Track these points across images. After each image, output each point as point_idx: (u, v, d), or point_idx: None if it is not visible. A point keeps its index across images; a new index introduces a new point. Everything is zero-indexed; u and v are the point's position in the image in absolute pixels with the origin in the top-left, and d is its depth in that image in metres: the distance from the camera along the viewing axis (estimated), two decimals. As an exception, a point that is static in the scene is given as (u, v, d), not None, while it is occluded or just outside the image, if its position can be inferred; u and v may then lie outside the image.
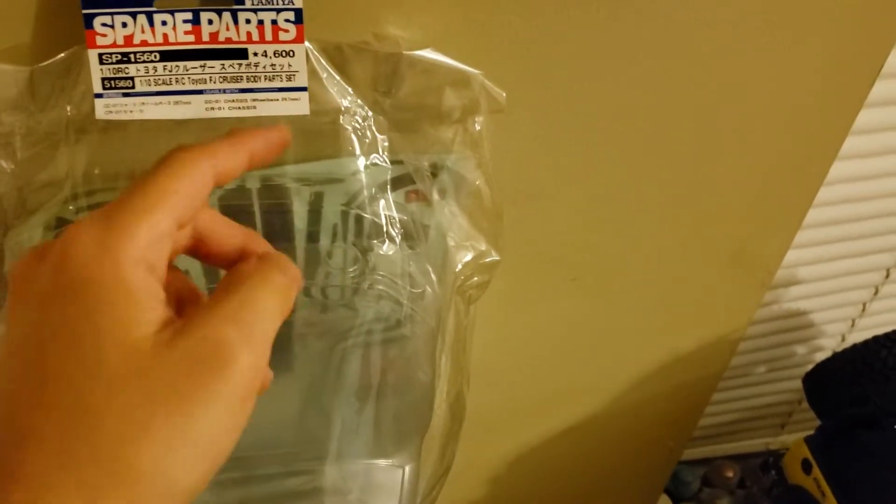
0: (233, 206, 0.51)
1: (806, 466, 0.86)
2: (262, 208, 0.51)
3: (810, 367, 1.00)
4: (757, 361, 1.02)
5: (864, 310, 0.99)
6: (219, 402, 0.26)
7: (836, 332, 1.02)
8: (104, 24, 0.42)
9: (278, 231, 0.52)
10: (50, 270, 0.26)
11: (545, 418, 0.83)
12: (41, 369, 0.25)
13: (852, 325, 1.02)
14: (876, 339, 0.83)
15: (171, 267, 0.30)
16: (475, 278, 0.52)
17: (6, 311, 0.27)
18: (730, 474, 1.19)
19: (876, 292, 0.97)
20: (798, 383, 1.04)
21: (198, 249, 0.32)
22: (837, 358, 0.85)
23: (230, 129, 0.33)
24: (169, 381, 0.25)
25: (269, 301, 0.28)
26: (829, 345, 1.04)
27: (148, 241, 0.27)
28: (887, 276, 0.94)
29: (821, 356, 1.05)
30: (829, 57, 0.57)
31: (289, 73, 0.45)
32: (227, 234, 0.32)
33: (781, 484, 0.91)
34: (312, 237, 0.52)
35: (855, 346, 0.84)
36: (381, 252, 0.50)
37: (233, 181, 0.50)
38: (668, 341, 0.79)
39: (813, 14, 0.54)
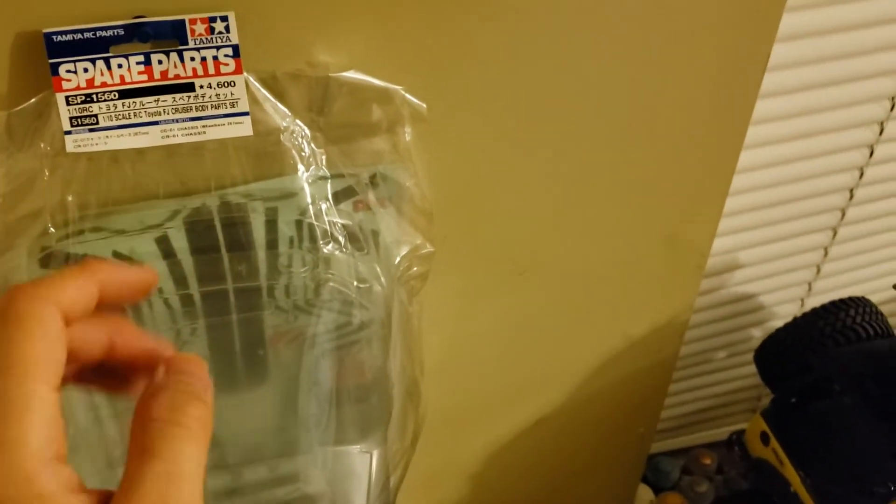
0: (196, 221, 0.57)
1: (764, 438, 0.91)
2: (223, 222, 0.58)
3: (768, 348, 1.06)
4: (715, 347, 1.07)
5: (810, 289, 1.05)
6: None
7: (788, 313, 1.08)
8: (68, 71, 0.49)
9: (238, 241, 0.58)
10: None
11: (513, 412, 0.89)
12: None
13: (801, 305, 1.08)
14: (814, 310, 0.90)
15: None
16: (414, 268, 0.59)
17: None
18: (707, 461, 1.24)
19: (818, 271, 1.03)
20: (756, 367, 1.09)
21: (108, 359, 0.31)
22: (781, 332, 0.91)
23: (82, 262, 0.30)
24: None
25: (194, 448, 0.27)
26: (781, 325, 1.09)
27: (43, 434, 0.25)
28: (826, 254, 1.00)
29: (777, 337, 1.11)
30: (720, 53, 0.64)
31: (232, 101, 0.52)
32: (91, 339, 0.30)
33: (745, 458, 0.96)
34: (271, 245, 0.58)
35: (795, 320, 0.91)
36: (328, 251, 0.56)
37: (195, 199, 0.57)
38: (619, 328, 0.85)
39: (703, 15, 0.61)
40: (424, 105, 0.57)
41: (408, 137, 0.58)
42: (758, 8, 0.63)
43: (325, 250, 0.56)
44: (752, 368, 1.13)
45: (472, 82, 0.59)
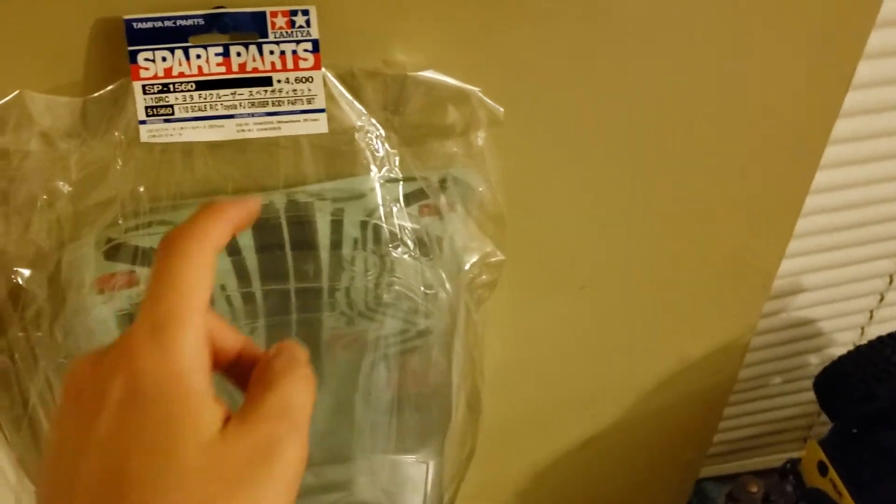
0: (262, 219, 0.56)
1: (822, 469, 0.89)
2: (289, 221, 0.57)
3: (825, 375, 1.03)
4: (771, 372, 1.04)
5: (871, 317, 1.02)
6: (277, 486, 0.29)
7: (847, 341, 1.05)
8: (147, 59, 0.48)
9: (304, 241, 0.57)
10: (121, 383, 0.29)
11: (564, 428, 0.87)
12: (124, 472, 0.28)
13: (861, 333, 1.04)
14: (880, 339, 0.87)
15: None
16: (483, 277, 0.57)
17: (68, 412, 0.30)
18: (754, 489, 1.21)
19: (881, 299, 0.99)
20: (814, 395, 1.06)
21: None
22: (844, 360, 0.88)
23: (208, 203, 0.35)
24: (239, 472, 0.29)
25: (304, 395, 0.32)
26: (840, 353, 1.06)
27: (195, 344, 0.30)
28: (891, 281, 0.97)
29: (834, 365, 1.08)
30: (803, 71, 0.62)
31: (308, 97, 0.51)
32: (231, 338, 0.35)
33: (800, 489, 0.93)
34: (335, 245, 0.57)
35: (860, 348, 0.88)
36: (397, 256, 0.55)
37: (264, 197, 0.56)
38: (677, 348, 0.83)
39: (786, 35, 0.60)
40: (501, 108, 0.55)
41: (481, 141, 0.57)
42: (845, 25, 0.61)
43: (393, 254, 0.55)
44: (806, 396, 1.10)
45: (549, 87, 0.57)
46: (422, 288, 0.56)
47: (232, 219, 0.34)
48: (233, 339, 0.35)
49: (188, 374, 0.29)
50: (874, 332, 1.04)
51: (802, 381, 1.09)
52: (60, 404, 0.31)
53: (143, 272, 0.56)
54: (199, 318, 0.30)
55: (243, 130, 0.51)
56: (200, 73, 0.49)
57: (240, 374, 0.35)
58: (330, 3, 0.50)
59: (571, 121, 0.60)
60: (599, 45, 0.56)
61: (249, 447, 0.29)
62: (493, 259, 0.57)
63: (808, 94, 0.64)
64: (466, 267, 0.57)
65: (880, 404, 0.83)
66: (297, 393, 0.32)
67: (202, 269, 0.31)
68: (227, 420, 0.30)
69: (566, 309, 0.73)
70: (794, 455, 1.24)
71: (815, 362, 1.07)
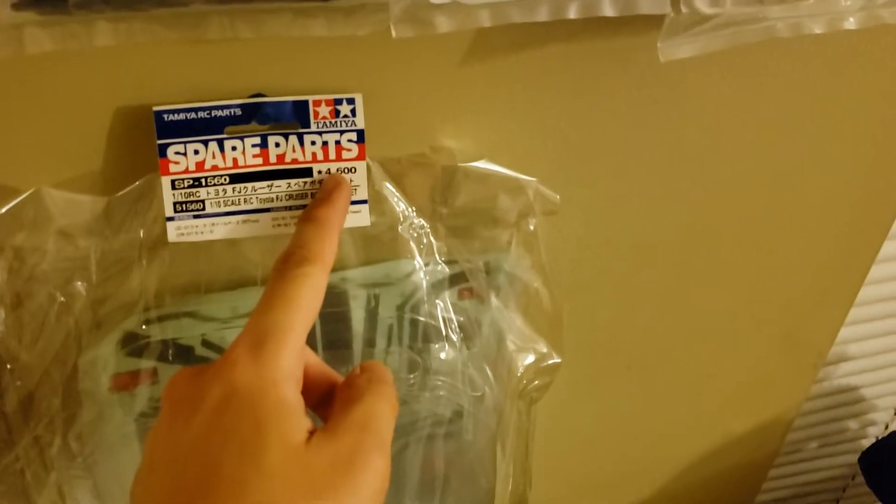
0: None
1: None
2: (322, 316, 0.52)
3: (863, 441, 0.99)
4: (810, 437, 1.00)
5: (916, 383, 0.98)
6: (360, 495, 0.30)
7: (889, 406, 1.01)
8: (177, 153, 0.44)
9: (337, 338, 0.53)
10: (217, 391, 0.31)
11: (601, 500, 0.83)
12: (214, 471, 0.29)
13: (904, 399, 1.01)
14: (933, 417, 0.82)
15: None
16: (536, 381, 0.53)
17: (164, 423, 0.32)
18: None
19: (927, 365, 0.96)
20: (851, 458, 1.02)
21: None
22: (893, 438, 0.84)
23: (313, 214, 0.39)
24: (324, 478, 0.29)
25: (388, 411, 0.33)
26: (881, 419, 1.02)
27: (292, 358, 0.32)
28: (938, 348, 0.93)
29: (874, 431, 1.03)
30: (874, 146, 0.58)
31: (351, 188, 0.47)
32: (321, 372, 0.37)
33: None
34: (369, 342, 0.53)
35: (911, 425, 0.83)
36: (441, 357, 0.50)
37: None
38: (722, 424, 0.79)
39: (857, 107, 0.55)
40: (557, 196, 0.51)
41: (532, 227, 0.53)
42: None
43: (440, 354, 0.50)
44: (843, 459, 1.06)
45: (607, 171, 0.53)
46: (468, 391, 0.51)
47: (339, 231, 0.39)
48: (323, 373, 0.37)
49: (282, 382, 0.31)
50: (917, 397, 1.00)
51: (840, 445, 1.04)
52: (159, 416, 0.33)
53: (165, 369, 0.52)
54: (301, 335, 0.33)
55: (280, 225, 0.47)
56: (235, 165, 0.45)
57: (326, 410, 0.36)
58: (375, 89, 0.46)
59: (624, 202, 0.56)
60: (661, 133, 0.52)
61: (334, 456, 0.30)
62: (549, 362, 0.53)
63: (870, 178, 0.60)
64: (520, 371, 0.52)
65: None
66: (381, 408, 0.33)
67: (316, 289, 0.35)
68: (313, 432, 0.31)
69: (611, 390, 0.69)
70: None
71: (854, 427, 1.03)
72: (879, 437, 0.86)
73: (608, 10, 0.38)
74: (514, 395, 0.53)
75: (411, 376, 0.51)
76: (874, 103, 0.55)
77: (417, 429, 0.53)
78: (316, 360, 0.38)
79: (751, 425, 0.80)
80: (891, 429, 1.00)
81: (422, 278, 0.52)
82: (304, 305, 0.34)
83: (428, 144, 0.49)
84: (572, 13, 0.38)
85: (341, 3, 0.35)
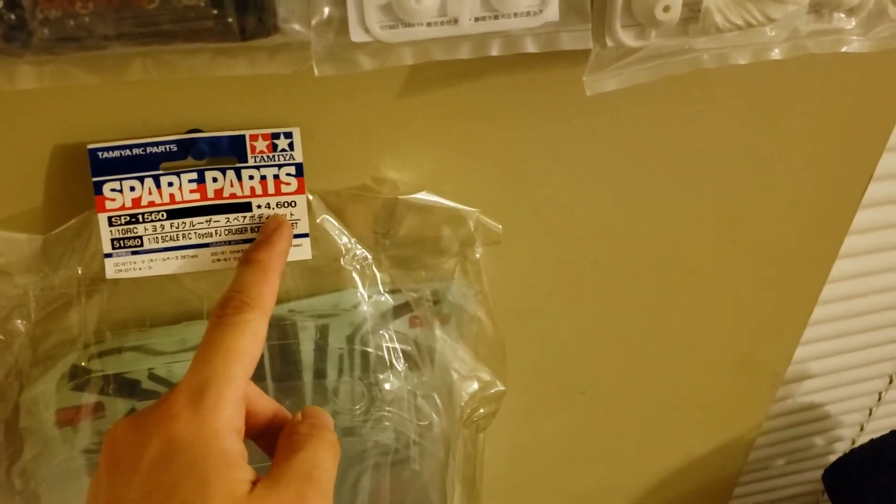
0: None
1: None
2: (270, 348, 0.52)
3: (831, 457, 0.99)
4: (776, 455, 1.00)
5: (879, 398, 0.98)
6: None
7: (854, 422, 1.01)
8: (113, 189, 0.44)
9: (287, 370, 0.53)
10: (158, 445, 0.30)
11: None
12: None
13: (870, 414, 1.01)
14: (893, 433, 0.83)
15: None
16: (481, 410, 0.53)
17: (105, 477, 0.32)
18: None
19: (890, 381, 0.96)
20: (819, 473, 1.02)
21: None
22: (855, 455, 0.85)
23: (253, 257, 0.39)
24: None
25: (329, 459, 0.33)
26: (847, 434, 1.03)
27: (233, 408, 0.32)
28: (901, 364, 0.94)
29: (840, 446, 1.04)
30: (816, 169, 0.59)
31: (291, 222, 0.47)
32: (263, 405, 0.37)
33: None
34: (319, 374, 0.53)
35: (872, 442, 0.84)
36: (387, 387, 0.50)
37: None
38: (682, 447, 0.79)
39: (799, 129, 0.56)
40: (500, 226, 0.51)
41: (477, 256, 0.53)
42: (871, 118, 0.57)
43: (385, 385, 0.50)
44: (811, 475, 1.07)
45: (545, 202, 0.53)
46: (415, 420, 0.51)
47: (281, 271, 0.38)
48: (265, 406, 0.37)
49: (223, 434, 0.31)
50: (882, 412, 1.01)
51: (807, 461, 1.05)
52: (98, 470, 0.32)
53: (111, 403, 0.52)
54: (241, 384, 0.33)
55: (219, 260, 0.47)
56: (172, 201, 0.45)
57: (270, 441, 0.36)
58: (315, 123, 0.46)
59: (571, 230, 0.56)
60: (601, 161, 0.52)
61: None
62: (493, 390, 0.53)
63: (815, 200, 0.61)
64: (464, 400, 0.52)
65: (895, 504, 0.79)
66: (322, 456, 0.33)
67: (256, 336, 0.35)
68: (256, 482, 0.31)
69: (566, 415, 0.69)
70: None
71: (821, 444, 1.03)
72: (846, 453, 0.86)
73: (530, 47, 0.38)
74: (460, 424, 0.53)
75: (357, 407, 0.51)
76: (815, 127, 0.56)
77: (365, 459, 0.53)
78: (260, 396, 0.37)
79: (712, 446, 0.80)
80: (857, 444, 1.00)
81: (368, 309, 0.52)
82: (243, 354, 0.34)
83: (370, 176, 0.49)
84: (495, 50, 0.38)
85: (264, 42, 0.35)
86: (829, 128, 0.56)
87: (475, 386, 0.53)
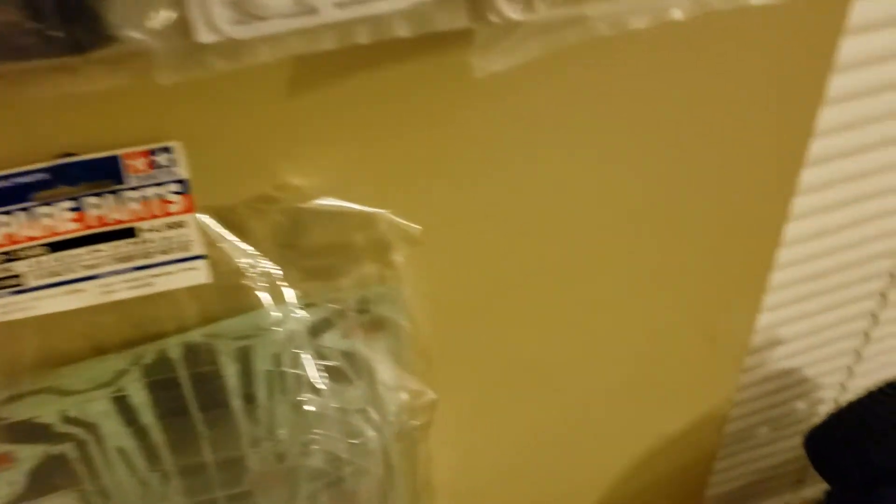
0: (159, 380, 0.49)
1: (822, 535, 0.82)
2: (192, 377, 0.49)
3: (815, 419, 0.96)
4: (758, 423, 0.98)
5: (858, 356, 0.96)
6: None
7: (835, 383, 0.99)
8: (-20, 228, 0.40)
9: (212, 398, 0.50)
10: None
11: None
12: None
13: (850, 373, 0.98)
14: (870, 394, 0.80)
15: None
16: (414, 421, 0.50)
17: None
18: (753, 540, 1.14)
19: (867, 338, 0.93)
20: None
21: None
22: (833, 419, 0.82)
23: None
24: None
25: None
26: (829, 395, 1.00)
27: None
28: (875, 320, 0.91)
29: (823, 408, 1.01)
30: (753, 132, 0.56)
31: (183, 244, 0.43)
32: None
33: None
34: (249, 398, 0.50)
35: (850, 405, 0.81)
36: (311, 409, 0.47)
37: (154, 347, 0.49)
38: (653, 428, 0.76)
39: (739, 88, 0.53)
40: (419, 227, 0.48)
41: (399, 259, 0.50)
42: (803, 72, 0.54)
43: (307, 408, 0.47)
44: (797, 441, 1.04)
45: (471, 192, 0.50)
46: (346, 440, 0.48)
47: None
48: None
49: None
50: (862, 370, 0.98)
51: (791, 426, 1.02)
52: None
53: (22, 451, 0.49)
54: None
55: (109, 292, 0.43)
56: (52, 233, 0.42)
57: None
58: (202, 134, 0.42)
59: (501, 222, 0.53)
60: (519, 145, 0.49)
61: None
62: (423, 400, 0.50)
63: (756, 166, 0.57)
64: (391, 416, 0.49)
65: (877, 468, 0.76)
66: None
67: None
68: None
69: (525, 406, 0.66)
70: (788, 496, 1.18)
71: (803, 407, 1.01)
72: (824, 418, 0.84)
73: (403, 31, 0.35)
74: (393, 438, 0.49)
75: (281, 432, 0.48)
76: (745, 88, 0.53)
77: (298, 485, 0.50)
78: None
79: (685, 424, 0.77)
80: (840, 404, 0.98)
81: (290, 326, 0.49)
82: None
83: (270, 185, 0.46)
84: (363, 38, 0.35)
85: (102, 53, 0.31)
86: (759, 87, 0.53)
87: (404, 397, 0.49)
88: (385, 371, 0.49)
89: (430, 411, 0.51)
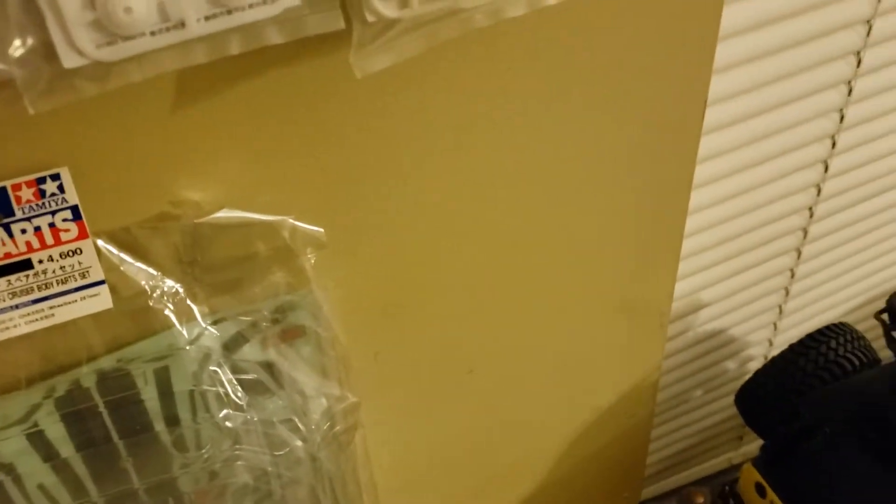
0: (75, 411, 0.48)
1: (760, 490, 0.84)
2: (109, 405, 0.48)
3: (746, 377, 0.99)
4: (691, 387, 1.00)
5: (781, 312, 0.98)
6: None
7: (762, 339, 1.01)
8: None
9: (133, 423, 0.49)
10: None
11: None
12: None
13: (775, 329, 1.01)
14: (791, 348, 0.82)
15: None
16: (338, 427, 0.50)
17: None
18: (700, 500, 1.16)
19: (787, 293, 0.96)
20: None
21: None
22: (760, 376, 0.84)
23: None
24: None
25: None
26: (758, 352, 1.03)
27: None
28: (793, 275, 0.93)
29: (753, 365, 1.04)
30: (648, 100, 0.57)
31: (81, 271, 0.43)
32: None
33: (741, 511, 0.89)
34: (171, 420, 0.49)
35: (773, 361, 0.83)
36: (230, 425, 0.47)
37: (67, 381, 0.48)
38: (586, 403, 0.77)
39: (634, 62, 0.54)
40: (321, 229, 0.48)
41: (310, 264, 0.49)
42: (692, 39, 0.55)
43: (228, 424, 0.47)
44: (731, 400, 1.07)
45: (369, 192, 0.50)
46: (269, 452, 0.48)
47: None
48: None
49: None
50: (786, 324, 1.01)
51: (724, 386, 1.05)
52: None
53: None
54: None
55: (8, 328, 0.42)
56: (-60, 273, 0.41)
57: None
58: (87, 157, 0.42)
59: (412, 217, 0.53)
60: (416, 139, 0.49)
61: None
62: (345, 404, 0.50)
63: (653, 133, 0.58)
64: (314, 424, 0.49)
65: (805, 418, 0.79)
66: None
67: None
68: None
69: (457, 396, 0.66)
70: (731, 454, 1.21)
71: (733, 367, 1.03)
72: (750, 375, 0.86)
73: (275, 38, 0.35)
74: (319, 445, 0.49)
75: (204, 451, 0.47)
76: (642, 58, 0.54)
77: (230, 499, 0.49)
78: None
79: (616, 396, 0.78)
80: (768, 360, 1.00)
81: (204, 343, 0.48)
82: None
83: (167, 201, 0.45)
84: (235, 48, 0.34)
85: (-36, 88, 0.31)
86: (651, 59, 0.54)
87: (325, 403, 0.49)
88: (305, 379, 0.49)
89: (353, 414, 0.50)
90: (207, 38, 0.34)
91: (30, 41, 0.31)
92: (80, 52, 0.32)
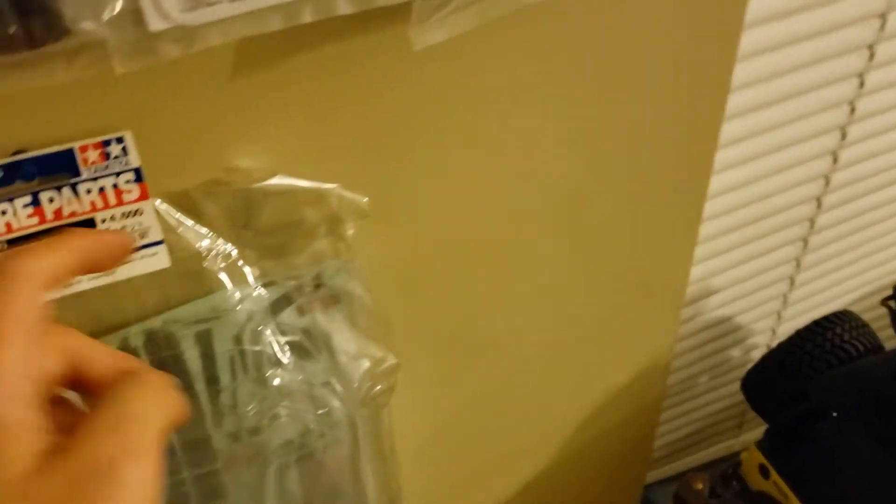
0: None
1: (763, 471, 0.86)
2: (154, 363, 0.50)
3: (749, 366, 1.02)
4: (697, 373, 1.02)
5: (785, 301, 1.01)
6: None
7: (766, 328, 1.04)
8: (-62, 229, 0.41)
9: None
10: None
11: (498, 483, 0.83)
12: None
13: (779, 318, 1.03)
14: (798, 333, 0.85)
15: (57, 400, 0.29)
16: (378, 387, 0.52)
17: None
18: (700, 486, 1.18)
19: (792, 283, 0.98)
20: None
21: (76, 378, 0.30)
22: (767, 360, 0.86)
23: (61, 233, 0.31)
24: None
25: (149, 406, 0.27)
26: (761, 341, 1.05)
27: (11, 369, 0.25)
28: (798, 265, 0.96)
29: (757, 353, 1.06)
30: (678, 79, 0.59)
31: (141, 231, 0.45)
32: (101, 358, 0.30)
33: (744, 492, 0.91)
34: (212, 381, 0.51)
35: (780, 346, 0.86)
36: (277, 383, 0.49)
37: (116, 340, 0.50)
38: (599, 382, 0.79)
39: (660, 47, 0.56)
40: (366, 199, 0.50)
41: (351, 232, 0.52)
42: (716, 30, 0.57)
43: (274, 382, 0.49)
44: (735, 387, 1.09)
45: (413, 164, 0.52)
46: (312, 409, 0.50)
47: (79, 248, 0.30)
48: (104, 359, 0.30)
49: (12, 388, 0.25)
50: (790, 314, 1.04)
51: (728, 373, 1.07)
52: None
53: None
54: (19, 340, 0.26)
55: (72, 283, 0.44)
56: (10, 229, 0.42)
57: None
58: (151, 122, 0.44)
59: (446, 191, 0.55)
60: (460, 115, 0.51)
61: (70, 478, 0.24)
62: (385, 365, 0.52)
63: (679, 118, 0.61)
64: (357, 381, 0.51)
65: (811, 401, 0.81)
66: (137, 404, 0.26)
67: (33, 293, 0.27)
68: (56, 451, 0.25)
69: (476, 371, 0.68)
70: (731, 441, 1.24)
71: (738, 354, 1.05)
72: (756, 362, 0.88)
73: (345, 9, 0.37)
74: (357, 405, 0.51)
75: (250, 408, 0.49)
76: (663, 41, 0.56)
77: (269, 458, 0.51)
78: (91, 346, 0.30)
79: (629, 377, 0.81)
80: (772, 348, 1.03)
81: (249, 306, 0.50)
82: (13, 307, 0.26)
83: (221, 168, 0.47)
84: (308, 17, 0.36)
85: (57, 47, 0.33)
86: (677, 40, 0.56)
87: (367, 364, 0.51)
88: (345, 341, 0.51)
89: (392, 376, 0.53)
90: (283, 5, 0.36)
91: (119, 5, 0.33)
92: (166, 16, 0.34)
